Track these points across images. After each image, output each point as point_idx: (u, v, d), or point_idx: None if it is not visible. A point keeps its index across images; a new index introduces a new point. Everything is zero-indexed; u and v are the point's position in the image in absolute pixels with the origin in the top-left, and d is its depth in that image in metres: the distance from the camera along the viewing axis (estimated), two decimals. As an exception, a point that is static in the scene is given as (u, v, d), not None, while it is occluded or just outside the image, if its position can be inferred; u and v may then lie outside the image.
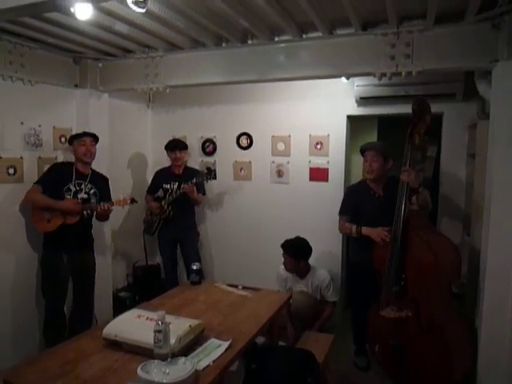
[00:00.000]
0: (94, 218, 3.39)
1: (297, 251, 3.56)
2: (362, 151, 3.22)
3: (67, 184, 3.17)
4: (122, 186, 4.12)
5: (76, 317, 3.37)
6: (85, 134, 3.26)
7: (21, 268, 3.29)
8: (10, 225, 3.20)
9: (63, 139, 3.57)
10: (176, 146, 4.02)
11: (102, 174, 3.43)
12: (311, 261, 3.68)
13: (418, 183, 2.83)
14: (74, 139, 3.24)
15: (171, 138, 4.29)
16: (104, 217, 3.35)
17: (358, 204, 3.21)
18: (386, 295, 2.81)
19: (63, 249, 3.18)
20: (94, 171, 3.34)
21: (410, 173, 2.76)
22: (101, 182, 3.36)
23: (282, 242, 3.60)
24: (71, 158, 3.35)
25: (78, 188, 3.20)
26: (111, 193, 3.41)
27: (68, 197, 3.15)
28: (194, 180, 3.78)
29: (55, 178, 3.16)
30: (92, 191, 3.26)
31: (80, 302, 3.36)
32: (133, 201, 3.28)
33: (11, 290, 3.24)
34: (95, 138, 3.28)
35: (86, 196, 3.23)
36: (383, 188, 3.17)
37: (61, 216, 3.09)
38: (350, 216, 3.21)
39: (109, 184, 3.45)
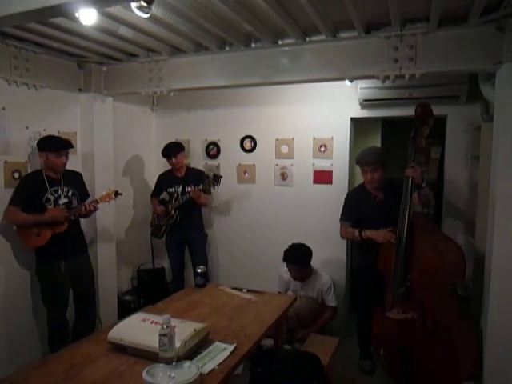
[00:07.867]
0: (81, 222, 3.35)
1: (303, 258, 3.49)
2: (359, 163, 3.17)
3: (44, 194, 3.04)
4: (125, 189, 4.14)
5: (79, 323, 3.32)
6: (62, 146, 3.06)
7: (13, 279, 3.20)
8: (6, 233, 3.12)
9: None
10: (169, 154, 3.91)
11: (72, 171, 3.32)
12: (315, 263, 3.67)
13: (422, 179, 2.82)
14: (47, 149, 3.00)
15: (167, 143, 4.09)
16: (89, 215, 3.28)
17: (358, 209, 3.20)
18: (391, 297, 2.80)
19: (58, 258, 3.08)
20: (63, 172, 3.17)
21: (416, 169, 2.75)
22: (75, 180, 3.25)
23: (283, 252, 3.51)
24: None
25: (55, 195, 3.08)
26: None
27: (49, 206, 3.03)
28: (201, 186, 3.77)
29: (30, 193, 3.01)
30: (70, 193, 3.16)
31: (82, 308, 3.33)
32: (117, 194, 3.19)
33: (3, 302, 3.13)
34: (71, 146, 3.15)
35: (66, 200, 3.13)
36: (383, 191, 3.16)
37: (49, 228, 2.99)
38: (352, 221, 3.19)
39: (82, 178, 3.36)
